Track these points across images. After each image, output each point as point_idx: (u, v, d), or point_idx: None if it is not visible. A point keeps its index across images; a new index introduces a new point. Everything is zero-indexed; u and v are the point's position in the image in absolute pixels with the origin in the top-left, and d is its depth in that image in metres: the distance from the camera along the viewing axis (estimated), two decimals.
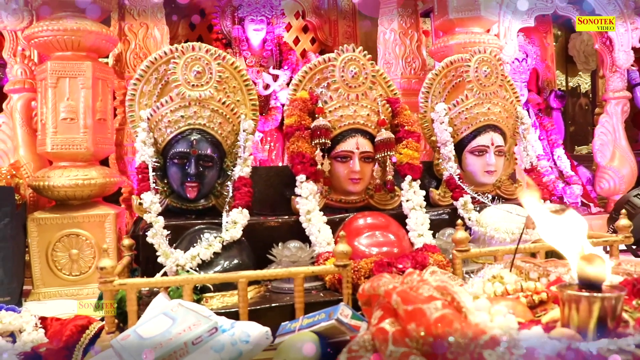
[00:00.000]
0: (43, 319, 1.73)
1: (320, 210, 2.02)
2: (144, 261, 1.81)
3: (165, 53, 1.98)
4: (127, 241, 1.99)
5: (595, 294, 0.92)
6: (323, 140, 1.97)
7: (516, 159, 2.30)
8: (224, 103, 1.95)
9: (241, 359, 1.12)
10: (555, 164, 3.87)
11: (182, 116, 1.90)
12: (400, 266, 1.61)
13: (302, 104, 2.01)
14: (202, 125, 1.92)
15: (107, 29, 2.65)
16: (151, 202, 1.84)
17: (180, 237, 1.84)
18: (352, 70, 2.02)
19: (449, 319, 0.69)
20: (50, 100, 2.53)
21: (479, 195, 2.08)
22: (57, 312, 2.04)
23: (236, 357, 1.11)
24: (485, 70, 2.16)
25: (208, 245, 1.73)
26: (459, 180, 2.09)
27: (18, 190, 2.40)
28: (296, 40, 4.58)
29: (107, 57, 3.07)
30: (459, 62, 2.21)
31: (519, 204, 2.16)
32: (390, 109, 2.10)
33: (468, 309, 0.78)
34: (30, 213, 2.52)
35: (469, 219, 2.01)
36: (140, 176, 1.89)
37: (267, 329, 1.19)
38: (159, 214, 1.93)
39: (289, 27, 4.58)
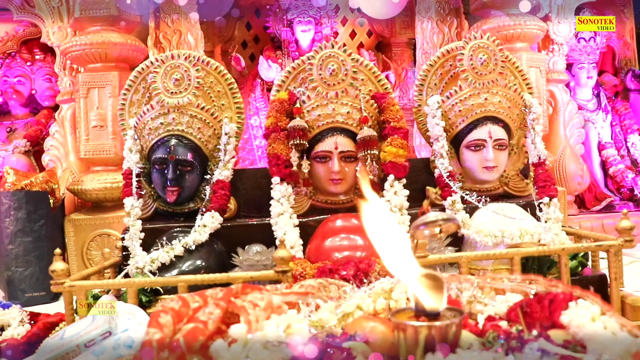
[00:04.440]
0: (34, 315, 1.88)
1: (306, 212, 2.00)
2: (123, 263, 1.91)
3: (151, 63, 2.05)
4: (119, 243, 2.11)
5: (420, 323, 0.83)
6: (298, 142, 1.93)
7: (527, 152, 2.09)
8: (202, 108, 1.99)
9: None
10: (628, 152, 3.46)
11: (161, 123, 1.97)
12: (344, 273, 1.54)
13: (280, 105, 1.99)
14: (181, 131, 1.97)
15: (133, 39, 2.81)
16: (131, 207, 1.93)
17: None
18: (330, 68, 1.96)
19: (148, 344, 0.66)
20: (82, 110, 2.74)
21: (467, 194, 1.92)
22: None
23: None
24: (481, 58, 1.98)
25: (169, 248, 1.78)
26: (448, 178, 1.95)
27: (53, 194, 2.63)
28: (352, 34, 4.52)
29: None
30: (456, 51, 2.06)
31: (530, 203, 1.98)
32: (375, 105, 2.02)
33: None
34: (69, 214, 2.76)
35: None
36: (125, 182, 1.99)
37: None
38: (148, 218, 2.03)
39: (344, 21, 4.54)
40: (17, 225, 2.51)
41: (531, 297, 0.99)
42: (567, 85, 3.51)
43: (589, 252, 1.75)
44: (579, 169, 3.16)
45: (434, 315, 0.84)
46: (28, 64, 3.48)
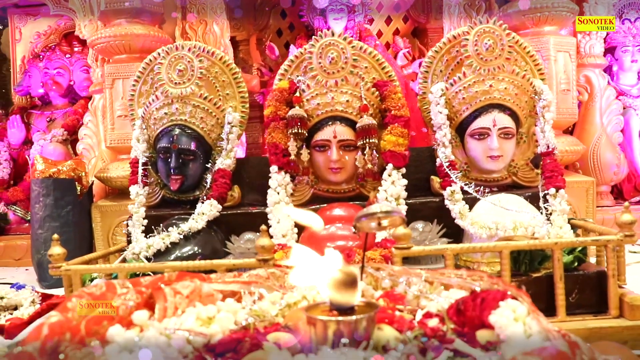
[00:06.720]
0: (46, 296, 1.99)
1: (308, 200, 2.01)
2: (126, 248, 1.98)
3: (159, 54, 2.11)
4: (125, 230, 2.19)
5: (328, 318, 0.82)
6: (297, 130, 1.93)
7: (537, 141, 1.99)
8: (205, 98, 2.02)
9: None
10: None
11: (165, 113, 2.02)
12: None
13: (279, 94, 1.99)
14: (184, 120, 2.01)
15: (156, 31, 2.88)
16: (136, 194, 2.00)
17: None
18: (330, 56, 1.94)
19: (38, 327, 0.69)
20: (108, 100, 2.84)
21: (467, 184, 1.86)
22: None
23: None
24: (486, 43, 1.90)
25: (165, 235, 1.82)
26: (448, 167, 1.89)
27: (80, 181, 2.74)
28: (388, 20, 4.45)
29: None
30: (462, 36, 1.99)
31: (535, 193, 1.89)
32: (377, 93, 1.98)
33: None
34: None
35: (453, 211, 1.82)
36: (131, 170, 2.06)
37: None
38: (155, 205, 2.10)
39: (380, 7, 4.47)
40: (45, 211, 2.64)
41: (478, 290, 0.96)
42: (609, 69, 3.32)
43: (592, 247, 1.66)
44: (616, 158, 2.99)
45: (348, 310, 0.83)
46: (67, 56, 3.64)
